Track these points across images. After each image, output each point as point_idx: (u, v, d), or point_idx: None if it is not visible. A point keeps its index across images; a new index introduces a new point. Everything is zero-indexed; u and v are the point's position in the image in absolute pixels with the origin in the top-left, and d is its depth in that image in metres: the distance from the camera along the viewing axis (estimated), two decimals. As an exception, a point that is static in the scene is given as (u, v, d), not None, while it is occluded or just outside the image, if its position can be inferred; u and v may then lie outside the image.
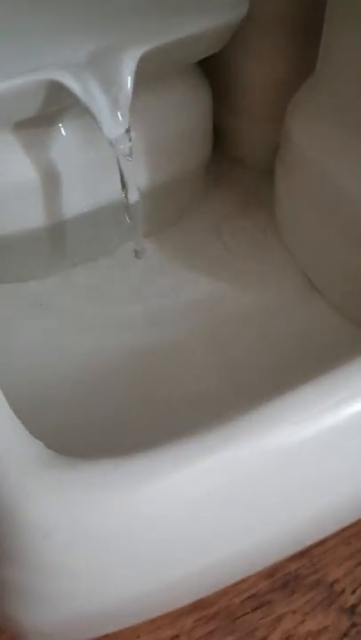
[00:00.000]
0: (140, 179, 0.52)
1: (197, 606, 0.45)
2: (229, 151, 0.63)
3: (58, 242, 0.55)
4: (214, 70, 0.59)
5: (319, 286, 0.57)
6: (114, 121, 0.45)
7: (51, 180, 0.50)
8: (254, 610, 0.46)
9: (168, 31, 0.47)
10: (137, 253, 0.53)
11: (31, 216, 0.52)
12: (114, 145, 0.46)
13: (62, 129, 0.49)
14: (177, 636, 0.44)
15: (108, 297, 0.57)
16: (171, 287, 0.57)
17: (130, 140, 0.46)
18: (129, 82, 0.45)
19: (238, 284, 0.57)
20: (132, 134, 0.46)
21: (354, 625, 0.45)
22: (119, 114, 0.45)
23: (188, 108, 0.55)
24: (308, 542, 0.44)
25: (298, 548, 0.44)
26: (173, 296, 0.56)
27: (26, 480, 0.31)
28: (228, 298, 0.57)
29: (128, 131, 0.45)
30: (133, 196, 0.49)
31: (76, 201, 0.52)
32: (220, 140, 0.61)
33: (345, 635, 0.45)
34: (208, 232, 0.61)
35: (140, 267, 0.58)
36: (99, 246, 0.57)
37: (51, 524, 0.31)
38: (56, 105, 0.46)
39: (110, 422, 0.48)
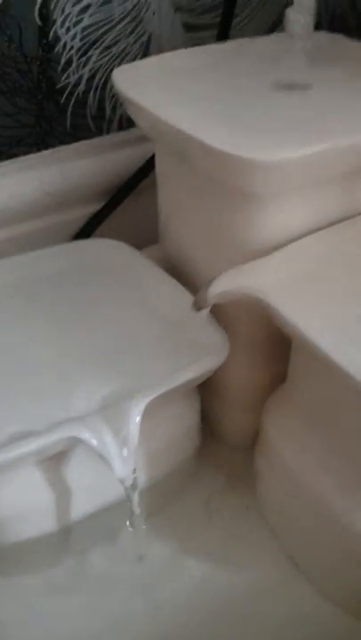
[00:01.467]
0: (139, 479, 0.59)
1: None
2: (215, 433, 0.71)
3: (66, 538, 0.61)
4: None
5: (303, 569, 0.63)
6: (123, 462, 0.53)
7: (63, 497, 0.57)
8: None
9: (169, 379, 0.56)
10: (140, 557, 0.60)
11: (45, 524, 0.58)
12: (123, 481, 0.53)
13: (74, 456, 0.57)
14: None
15: (108, 578, 0.62)
16: (165, 574, 0.63)
17: (134, 473, 0.54)
18: (137, 427, 0.53)
19: (225, 566, 0.63)
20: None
21: None
22: (127, 455, 0.53)
23: (180, 417, 0.63)
24: None
25: None
26: (169, 581, 0.62)
27: None
28: (215, 582, 0.62)
29: (134, 470, 0.53)
30: (136, 509, 0.57)
31: (83, 506, 0.59)
32: (208, 423, 0.69)
33: None
34: (199, 508, 0.68)
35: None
36: (102, 534, 0.64)
37: None
38: (70, 446, 0.55)
39: None
